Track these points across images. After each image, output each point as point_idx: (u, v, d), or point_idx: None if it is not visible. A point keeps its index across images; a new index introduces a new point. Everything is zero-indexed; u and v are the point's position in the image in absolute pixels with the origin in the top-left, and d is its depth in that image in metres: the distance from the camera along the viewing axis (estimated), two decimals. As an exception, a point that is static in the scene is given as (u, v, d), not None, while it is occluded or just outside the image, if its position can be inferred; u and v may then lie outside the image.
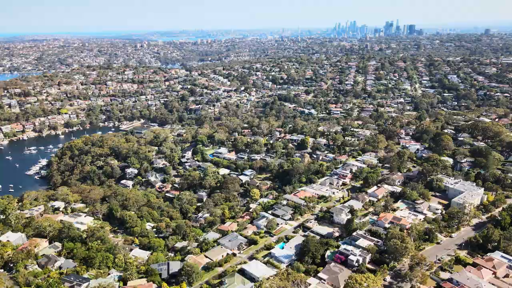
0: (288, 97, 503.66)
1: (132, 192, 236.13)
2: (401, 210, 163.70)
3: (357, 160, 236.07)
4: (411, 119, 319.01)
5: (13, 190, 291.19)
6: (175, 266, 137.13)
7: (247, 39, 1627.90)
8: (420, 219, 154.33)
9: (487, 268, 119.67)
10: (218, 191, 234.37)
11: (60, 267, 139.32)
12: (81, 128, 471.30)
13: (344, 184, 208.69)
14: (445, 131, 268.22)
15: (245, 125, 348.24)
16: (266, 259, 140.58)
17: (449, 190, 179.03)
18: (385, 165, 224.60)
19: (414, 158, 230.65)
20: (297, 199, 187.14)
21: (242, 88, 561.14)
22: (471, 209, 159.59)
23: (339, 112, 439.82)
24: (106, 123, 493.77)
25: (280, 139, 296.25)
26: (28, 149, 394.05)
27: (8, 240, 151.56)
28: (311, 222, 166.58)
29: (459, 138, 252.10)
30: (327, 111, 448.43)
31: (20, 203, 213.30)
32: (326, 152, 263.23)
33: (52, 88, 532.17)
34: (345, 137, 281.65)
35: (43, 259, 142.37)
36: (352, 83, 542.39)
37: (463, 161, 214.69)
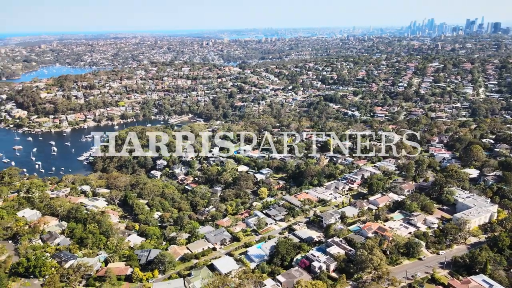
0: (334, 98, 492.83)
1: (153, 182, 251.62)
2: (394, 221, 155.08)
3: (374, 166, 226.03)
4: (452, 125, 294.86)
5: (62, 173, 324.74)
6: (154, 254, 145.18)
7: (312, 38, 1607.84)
8: (410, 232, 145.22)
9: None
10: (232, 187, 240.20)
11: (58, 244, 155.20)
12: (134, 120, 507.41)
13: (350, 189, 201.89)
14: (484, 140, 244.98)
15: (277, 124, 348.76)
16: (241, 256, 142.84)
17: (457, 204, 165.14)
18: (403, 173, 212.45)
19: (438, 168, 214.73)
20: (295, 201, 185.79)
21: (290, 87, 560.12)
22: (472, 226, 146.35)
23: (383, 115, 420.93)
24: (157, 116, 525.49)
25: (305, 140, 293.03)
26: (85, 137, 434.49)
27: (23, 216, 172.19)
28: (299, 224, 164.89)
29: (496, 149, 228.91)
30: (371, 114, 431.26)
31: (55, 185, 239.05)
32: (346, 155, 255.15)
33: (115, 82, 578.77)
34: (372, 141, 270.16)
35: (47, 235, 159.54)
36: (405, 85, 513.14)
37: (490, 174, 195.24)
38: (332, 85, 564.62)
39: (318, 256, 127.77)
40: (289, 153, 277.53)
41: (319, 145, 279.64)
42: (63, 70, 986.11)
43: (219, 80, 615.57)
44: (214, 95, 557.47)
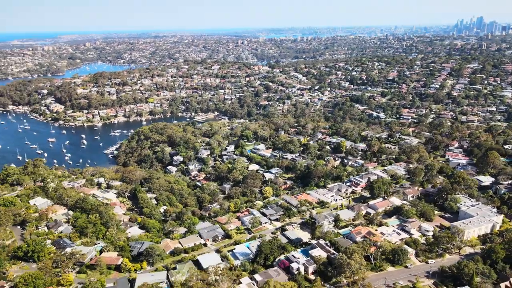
0: (360, 99, 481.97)
1: (165, 177, 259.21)
2: (388, 226, 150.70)
3: (383, 170, 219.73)
4: (477, 130, 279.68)
5: (88, 165, 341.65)
6: (145, 246, 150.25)
7: (350, 37, 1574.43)
8: (401, 239, 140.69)
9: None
10: (240, 185, 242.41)
11: (61, 232, 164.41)
12: (162, 117, 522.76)
13: (353, 192, 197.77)
14: (507, 147, 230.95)
15: (295, 123, 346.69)
16: (227, 253, 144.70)
17: (460, 212, 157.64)
18: (412, 177, 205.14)
19: (450, 174, 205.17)
20: (294, 201, 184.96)
21: (317, 87, 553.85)
22: (470, 236, 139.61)
23: (409, 117, 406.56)
24: (184, 113, 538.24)
25: (319, 140, 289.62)
26: (114, 132, 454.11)
27: (34, 204, 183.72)
28: (293, 225, 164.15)
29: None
30: (397, 116, 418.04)
31: (75, 176, 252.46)
32: (358, 157, 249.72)
33: (146, 80, 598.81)
34: (387, 144, 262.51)
35: (52, 223, 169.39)
36: (437, 86, 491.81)
37: (504, 183, 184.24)
38: (360, 85, 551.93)
39: (298, 258, 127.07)
40: (302, 154, 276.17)
41: (332, 146, 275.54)
42: (104, 67, 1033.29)
43: (247, 78, 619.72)
44: (241, 94, 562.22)
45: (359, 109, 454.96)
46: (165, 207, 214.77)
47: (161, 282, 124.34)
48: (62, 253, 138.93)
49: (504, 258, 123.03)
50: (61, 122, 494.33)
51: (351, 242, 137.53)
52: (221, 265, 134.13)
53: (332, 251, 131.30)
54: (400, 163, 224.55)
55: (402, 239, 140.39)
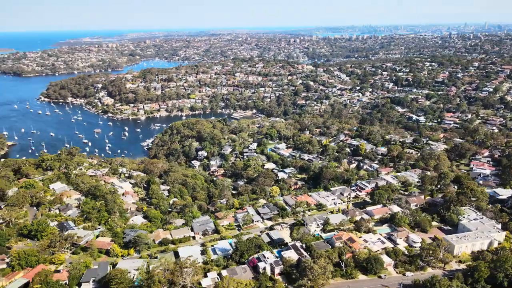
0: (402, 101, 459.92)
1: (183, 170, 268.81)
2: (375, 234, 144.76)
3: (396, 176, 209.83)
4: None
5: (124, 156, 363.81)
6: (145, 236, 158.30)
7: (409, 36, 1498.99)
8: (384, 248, 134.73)
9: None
10: (253, 182, 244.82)
11: (69, 215, 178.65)
12: (201, 112, 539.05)
13: (356, 197, 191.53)
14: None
15: (321, 124, 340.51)
16: (208, 248, 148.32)
17: (459, 225, 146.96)
18: (423, 185, 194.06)
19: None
20: (292, 202, 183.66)
21: (358, 88, 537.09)
22: (461, 252, 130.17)
23: (452, 122, 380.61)
24: (223, 110, 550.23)
25: (341, 142, 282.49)
26: (154, 125, 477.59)
27: (53, 188, 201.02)
28: (282, 226, 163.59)
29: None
30: (438, 120, 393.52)
31: (104, 164, 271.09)
32: (375, 161, 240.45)
33: (191, 76, 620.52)
34: (410, 150, 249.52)
35: (64, 206, 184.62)
36: (490, 90, 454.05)
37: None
38: (405, 87, 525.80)
39: (267, 258, 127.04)
40: (320, 155, 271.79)
41: (352, 148, 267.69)
42: (159, 64, 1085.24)
43: (289, 77, 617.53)
44: (280, 93, 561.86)
45: (398, 112, 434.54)
46: (175, 199, 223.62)
47: (138, 269, 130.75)
48: (59, 235, 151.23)
49: (488, 278, 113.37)
50: (110, 114, 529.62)
51: (330, 247, 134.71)
52: (199, 258, 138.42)
53: (305, 254, 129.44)
54: (415, 170, 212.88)
55: (384, 248, 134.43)
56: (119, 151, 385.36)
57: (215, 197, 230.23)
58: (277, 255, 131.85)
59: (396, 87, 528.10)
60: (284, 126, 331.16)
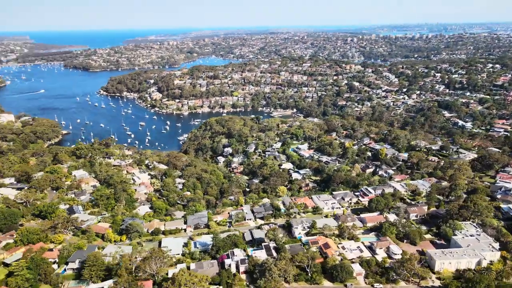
0: (451, 105, 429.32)
1: (204, 166, 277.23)
2: (356, 242, 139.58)
3: (406, 183, 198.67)
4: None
5: (159, 148, 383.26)
6: (138, 225, 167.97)
7: (481, 34, 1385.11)
8: (359, 256, 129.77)
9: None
10: (265, 181, 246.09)
11: (81, 200, 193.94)
12: (242, 110, 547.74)
13: (357, 202, 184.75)
14: None
15: (349, 126, 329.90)
16: (189, 241, 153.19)
17: (451, 240, 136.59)
18: (437, 196, 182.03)
19: (486, 198, 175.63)
20: (289, 202, 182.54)
21: (405, 90, 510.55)
22: (442, 268, 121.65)
23: (502, 130, 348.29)
24: (264, 108, 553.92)
25: (363, 146, 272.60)
26: (194, 121, 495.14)
27: (74, 175, 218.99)
28: (271, 226, 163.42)
29: None
30: (487, 127, 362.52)
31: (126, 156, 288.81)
32: (393, 167, 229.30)
33: (237, 74, 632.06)
34: (433, 157, 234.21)
35: (79, 192, 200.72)
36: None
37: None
38: (458, 90, 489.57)
39: (236, 255, 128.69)
40: (340, 157, 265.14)
41: (373, 153, 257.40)
42: (214, 61, 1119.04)
43: (335, 77, 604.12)
44: (323, 93, 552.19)
45: (444, 116, 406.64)
46: (187, 193, 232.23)
47: (121, 255, 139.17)
48: (64, 217, 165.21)
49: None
50: (156, 108, 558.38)
51: (304, 250, 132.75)
52: (179, 250, 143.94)
53: (275, 254, 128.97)
54: (430, 179, 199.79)
55: (359, 257, 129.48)
56: (156, 143, 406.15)
57: (225, 193, 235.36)
58: (249, 253, 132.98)
59: (447, 90, 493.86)
60: (311, 127, 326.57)
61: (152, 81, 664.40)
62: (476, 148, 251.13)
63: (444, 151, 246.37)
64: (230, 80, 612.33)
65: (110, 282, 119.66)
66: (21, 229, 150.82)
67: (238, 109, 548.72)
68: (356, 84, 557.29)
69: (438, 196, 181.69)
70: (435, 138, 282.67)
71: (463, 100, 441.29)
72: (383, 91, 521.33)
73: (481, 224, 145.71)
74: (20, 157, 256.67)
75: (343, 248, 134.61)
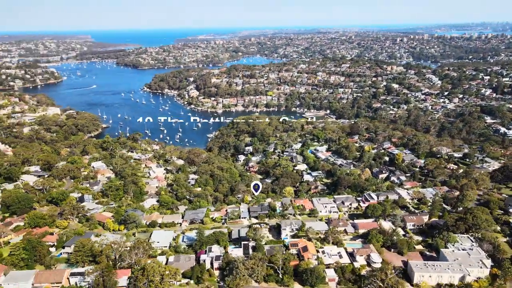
0: (495, 110, 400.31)
1: (221, 163, 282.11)
2: (339, 247, 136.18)
3: (413, 191, 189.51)
4: None
5: (188, 145, 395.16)
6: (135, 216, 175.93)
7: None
8: (336, 262, 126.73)
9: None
10: (275, 181, 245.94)
11: (94, 190, 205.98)
12: (275, 109, 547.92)
13: (357, 208, 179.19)
14: None
15: (372, 129, 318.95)
16: (179, 234, 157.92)
17: (440, 253, 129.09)
18: (443, 205, 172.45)
19: (498, 211, 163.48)
20: (287, 204, 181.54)
21: (447, 93, 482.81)
22: (421, 281, 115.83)
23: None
24: (297, 108, 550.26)
25: (383, 150, 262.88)
26: (225, 119, 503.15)
27: (92, 166, 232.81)
28: (261, 226, 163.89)
29: None
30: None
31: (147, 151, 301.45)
32: (407, 174, 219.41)
33: (273, 74, 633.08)
34: (453, 165, 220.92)
35: (94, 182, 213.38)
36: None
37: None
38: (507, 94, 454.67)
39: (212, 252, 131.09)
40: (356, 161, 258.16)
41: (389, 157, 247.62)
42: (258, 60, 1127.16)
43: (374, 79, 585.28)
44: (359, 94, 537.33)
45: (485, 123, 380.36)
46: (198, 189, 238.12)
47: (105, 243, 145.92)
48: (71, 205, 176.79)
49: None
50: (192, 106, 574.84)
51: (283, 252, 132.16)
52: (166, 242, 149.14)
53: (251, 253, 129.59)
54: (441, 188, 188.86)
55: (337, 263, 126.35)
56: (186, 140, 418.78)
57: (235, 191, 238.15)
58: (228, 251, 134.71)
59: (494, 95, 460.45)
60: (333, 129, 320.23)
61: (191, 79, 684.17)
62: (506, 158, 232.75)
63: (467, 159, 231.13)
64: (266, 79, 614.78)
65: (92, 267, 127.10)
66: (29, 213, 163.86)
67: (271, 109, 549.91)
68: (395, 86, 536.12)
69: (446, 206, 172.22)
70: (461, 145, 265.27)
71: (511, 106, 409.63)
72: (422, 94, 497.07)
73: (479, 238, 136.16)
74: (52, 147, 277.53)
75: (323, 252, 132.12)
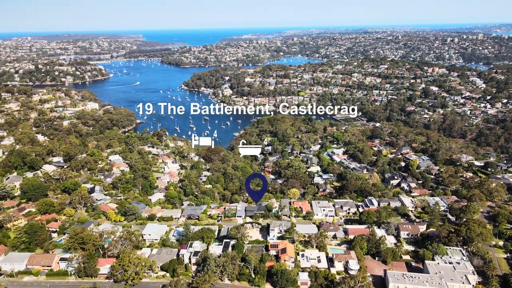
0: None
1: (237, 162, 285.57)
2: (321, 252, 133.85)
3: (418, 199, 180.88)
4: None
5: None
6: (140, 207, 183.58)
7: None
8: (311, 266, 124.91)
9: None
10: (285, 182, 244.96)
11: (106, 181, 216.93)
12: (306, 110, 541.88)
13: (355, 213, 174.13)
14: None
15: (396, 133, 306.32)
16: (172, 228, 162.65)
17: (424, 265, 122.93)
18: (448, 216, 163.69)
19: (506, 225, 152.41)
20: (284, 205, 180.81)
21: (489, 97, 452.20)
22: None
23: None
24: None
25: (401, 155, 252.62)
26: (255, 118, 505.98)
27: (109, 159, 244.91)
28: (253, 225, 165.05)
29: None
30: None
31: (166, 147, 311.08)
32: (420, 180, 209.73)
33: (307, 74, 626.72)
34: (471, 174, 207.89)
35: (108, 174, 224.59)
36: None
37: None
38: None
39: (193, 247, 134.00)
40: (370, 165, 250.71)
41: (405, 163, 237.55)
42: (298, 61, 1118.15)
43: (412, 81, 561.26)
44: (394, 97, 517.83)
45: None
46: (209, 186, 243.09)
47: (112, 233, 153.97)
48: (80, 194, 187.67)
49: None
50: (225, 104, 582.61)
51: (262, 253, 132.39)
52: (157, 235, 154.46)
53: (229, 252, 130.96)
54: (450, 197, 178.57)
55: (314, 267, 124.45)
56: (213, 137, 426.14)
57: (243, 190, 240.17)
58: (209, 248, 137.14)
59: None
60: (354, 131, 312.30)
61: (227, 78, 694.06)
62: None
63: (489, 169, 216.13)
64: (299, 80, 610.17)
65: (77, 254, 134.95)
66: (40, 201, 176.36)
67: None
68: (434, 89, 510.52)
69: (450, 217, 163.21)
70: (488, 153, 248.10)
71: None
72: (462, 97, 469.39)
73: (473, 252, 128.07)
74: (81, 140, 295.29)
75: (302, 256, 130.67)
